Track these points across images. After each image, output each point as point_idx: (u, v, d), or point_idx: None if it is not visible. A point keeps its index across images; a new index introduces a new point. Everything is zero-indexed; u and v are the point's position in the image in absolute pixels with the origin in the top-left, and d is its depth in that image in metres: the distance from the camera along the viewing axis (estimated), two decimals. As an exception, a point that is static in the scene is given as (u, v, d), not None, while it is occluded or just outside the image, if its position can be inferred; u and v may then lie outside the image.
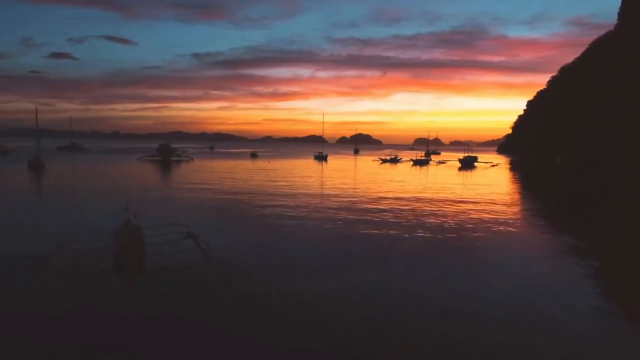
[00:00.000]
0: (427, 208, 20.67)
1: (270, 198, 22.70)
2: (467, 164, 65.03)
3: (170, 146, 68.19)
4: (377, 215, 18.14)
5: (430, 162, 72.65)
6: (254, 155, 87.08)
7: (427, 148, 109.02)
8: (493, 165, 66.34)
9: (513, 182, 40.40)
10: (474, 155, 70.51)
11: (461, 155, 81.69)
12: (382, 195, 25.41)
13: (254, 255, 11.84)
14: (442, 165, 67.19)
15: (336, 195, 24.46)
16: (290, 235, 14.15)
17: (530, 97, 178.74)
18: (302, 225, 15.84)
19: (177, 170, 46.21)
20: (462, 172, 51.62)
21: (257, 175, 38.78)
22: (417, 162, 69.11)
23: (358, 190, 27.78)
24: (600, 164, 77.67)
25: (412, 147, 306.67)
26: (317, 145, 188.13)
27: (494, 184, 36.35)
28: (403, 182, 36.03)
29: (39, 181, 32.22)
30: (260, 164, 61.47)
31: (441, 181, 37.15)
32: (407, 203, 22.07)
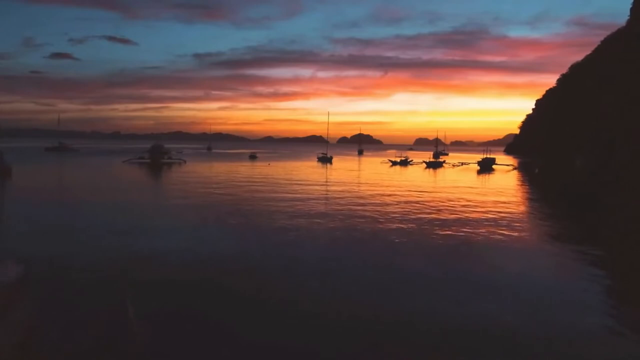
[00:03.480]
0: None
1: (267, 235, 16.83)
2: (486, 167, 59.56)
3: (163, 147, 62.67)
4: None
5: (444, 164, 67.10)
6: (252, 157, 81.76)
7: (435, 149, 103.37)
8: (515, 168, 61.02)
9: (559, 196, 35.18)
10: (492, 157, 64.85)
11: (467, 155, 76.42)
12: (429, 229, 19.34)
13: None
14: (457, 167, 61.69)
15: (364, 232, 16.67)
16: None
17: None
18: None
19: (161, 176, 40.56)
20: (483, 177, 46.30)
21: (251, 189, 33.08)
22: (431, 165, 63.61)
23: (386, 213, 22.24)
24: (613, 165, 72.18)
25: (411, 147, 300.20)
26: (318, 146, 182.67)
27: (537, 198, 31.14)
28: (433, 193, 30.58)
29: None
30: (259, 167, 55.94)
31: (481, 197, 31.46)
32: (480, 247, 14.50)
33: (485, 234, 16.09)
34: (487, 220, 19.02)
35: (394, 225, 17.34)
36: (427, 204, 23.80)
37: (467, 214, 20.40)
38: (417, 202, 24.25)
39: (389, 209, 21.58)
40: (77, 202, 22.64)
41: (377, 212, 20.31)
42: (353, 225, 17.00)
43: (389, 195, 27.42)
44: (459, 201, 25.13)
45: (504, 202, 25.46)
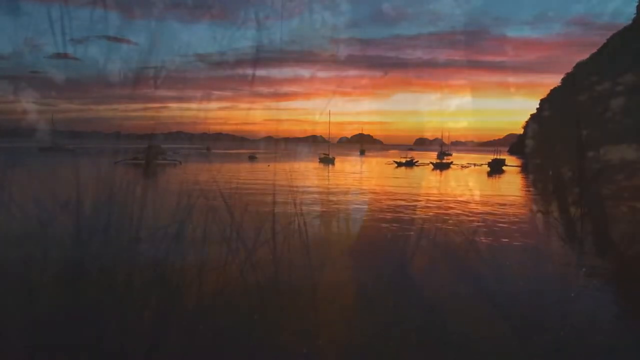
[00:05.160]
0: None
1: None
2: (496, 168, 57.03)
3: (159, 147, 59.75)
4: None
5: (452, 165, 64.46)
6: (252, 158, 79.63)
7: (440, 149, 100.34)
8: (521, 169, 58.63)
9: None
10: (502, 157, 62.34)
11: (470, 155, 74.00)
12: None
13: None
14: (467, 169, 59.13)
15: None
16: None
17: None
18: None
19: (147, 181, 37.03)
20: (497, 179, 43.79)
21: (245, 200, 29.60)
22: (438, 166, 61.03)
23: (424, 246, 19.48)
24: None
25: (411, 147, 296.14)
26: (318, 146, 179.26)
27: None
28: (464, 204, 27.86)
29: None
30: (259, 170, 53.22)
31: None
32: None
33: None
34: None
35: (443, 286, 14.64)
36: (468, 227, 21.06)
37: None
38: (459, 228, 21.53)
39: (427, 239, 18.81)
40: (26, 209, 20.10)
41: (409, 245, 17.57)
42: (380, 273, 13.20)
43: (413, 208, 23.96)
44: (510, 219, 22.29)
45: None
